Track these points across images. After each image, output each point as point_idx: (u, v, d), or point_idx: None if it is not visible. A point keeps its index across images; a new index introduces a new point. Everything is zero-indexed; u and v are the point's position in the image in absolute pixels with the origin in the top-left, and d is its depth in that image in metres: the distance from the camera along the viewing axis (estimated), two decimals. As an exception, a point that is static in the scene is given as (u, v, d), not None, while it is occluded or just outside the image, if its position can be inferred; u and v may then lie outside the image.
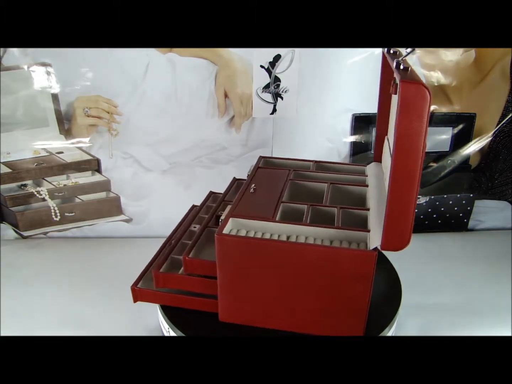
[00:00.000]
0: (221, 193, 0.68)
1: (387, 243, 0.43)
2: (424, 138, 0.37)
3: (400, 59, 0.42)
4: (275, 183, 0.59)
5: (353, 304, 0.48)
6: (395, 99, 0.55)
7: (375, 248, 0.44)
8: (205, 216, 0.63)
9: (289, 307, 0.50)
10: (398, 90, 0.37)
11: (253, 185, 0.58)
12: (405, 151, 0.38)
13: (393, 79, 0.51)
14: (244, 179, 0.67)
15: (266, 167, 0.65)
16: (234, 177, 0.69)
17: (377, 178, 0.60)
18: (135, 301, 0.56)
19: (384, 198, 0.52)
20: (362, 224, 0.52)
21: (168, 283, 0.54)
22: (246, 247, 0.47)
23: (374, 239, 0.45)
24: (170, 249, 0.57)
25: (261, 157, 0.67)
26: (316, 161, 0.66)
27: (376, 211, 0.51)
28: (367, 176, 0.62)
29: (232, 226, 0.51)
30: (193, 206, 0.70)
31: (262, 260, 0.48)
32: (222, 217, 0.52)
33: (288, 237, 0.49)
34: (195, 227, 0.61)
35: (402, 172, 0.39)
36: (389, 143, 0.58)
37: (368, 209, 0.53)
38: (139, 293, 0.56)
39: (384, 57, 0.55)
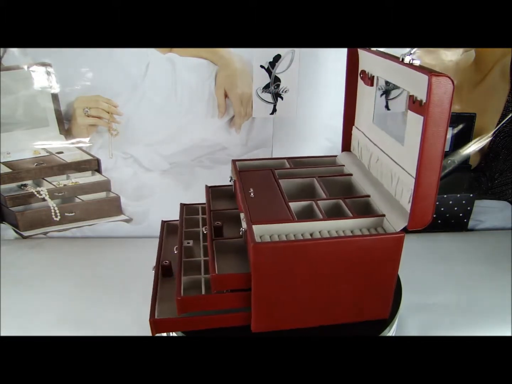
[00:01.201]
0: (194, 204, 0.66)
1: (414, 222, 0.46)
2: (448, 124, 0.41)
3: (409, 57, 0.45)
4: (267, 184, 0.58)
5: (383, 287, 0.50)
6: (364, 90, 0.59)
7: (402, 229, 0.47)
8: (194, 229, 0.61)
9: (324, 302, 0.50)
10: (429, 83, 0.39)
11: (251, 189, 0.57)
12: (435, 136, 0.41)
13: (364, 72, 0.57)
14: (219, 186, 0.66)
15: (247, 170, 0.63)
16: (206, 185, 0.66)
17: (358, 166, 0.62)
18: (154, 333, 0.50)
19: (378, 184, 0.56)
20: (366, 210, 0.54)
21: (196, 306, 0.49)
22: (283, 251, 0.46)
23: (398, 222, 0.48)
24: (177, 271, 0.53)
25: (234, 161, 0.65)
26: (288, 158, 0.66)
27: (379, 196, 0.54)
28: (344, 165, 0.64)
29: (257, 234, 0.49)
30: (182, 205, 0.67)
31: (299, 261, 0.47)
32: (244, 227, 0.49)
33: (311, 234, 0.49)
34: (188, 242, 0.57)
35: (430, 158, 0.42)
36: (363, 132, 0.61)
37: (368, 196, 0.55)
38: (160, 324, 0.49)
39: (349, 53, 0.59)
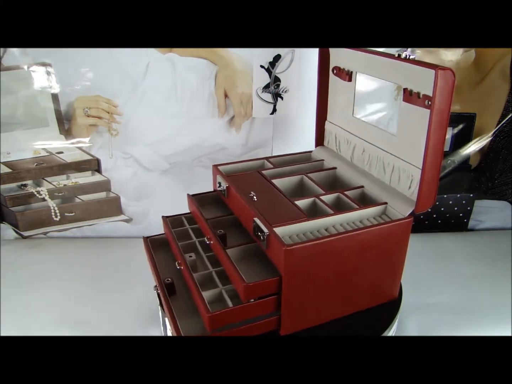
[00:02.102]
0: (175, 215, 0.63)
1: (421, 205, 0.49)
2: (449, 112, 0.45)
3: (406, 53, 0.48)
4: (263, 186, 0.57)
5: (395, 269, 0.54)
6: (340, 85, 0.61)
7: (410, 214, 0.50)
8: (188, 241, 0.58)
9: (345, 293, 0.52)
10: (435, 76, 0.43)
11: (252, 193, 0.55)
12: (440, 125, 0.45)
13: (338, 69, 0.60)
14: (200, 193, 0.63)
15: (233, 174, 0.61)
16: (188, 194, 0.63)
17: (339, 159, 0.63)
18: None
19: (367, 174, 0.58)
20: (364, 200, 0.56)
21: (227, 320, 0.47)
22: (313, 250, 0.46)
23: (404, 207, 0.51)
24: (192, 287, 0.50)
25: (216, 166, 0.63)
26: (265, 158, 0.66)
27: (373, 186, 0.56)
28: (323, 160, 0.65)
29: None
30: (165, 218, 0.62)
31: (326, 258, 0.47)
32: (266, 231, 0.47)
33: (326, 229, 0.50)
34: (191, 256, 0.54)
35: (435, 144, 0.46)
36: (340, 126, 0.63)
37: (362, 186, 0.57)
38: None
39: (320, 51, 0.61)
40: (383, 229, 0.49)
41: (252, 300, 0.47)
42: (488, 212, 0.86)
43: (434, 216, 0.86)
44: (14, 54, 0.72)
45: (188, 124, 0.78)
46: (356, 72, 0.58)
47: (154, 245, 0.62)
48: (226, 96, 0.76)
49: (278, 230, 0.48)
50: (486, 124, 0.79)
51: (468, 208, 0.85)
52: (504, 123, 0.79)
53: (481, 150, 0.81)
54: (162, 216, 0.62)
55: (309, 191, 0.59)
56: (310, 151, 0.69)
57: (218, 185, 0.61)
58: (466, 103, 0.77)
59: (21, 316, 0.65)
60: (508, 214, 0.87)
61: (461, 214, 0.86)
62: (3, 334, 0.61)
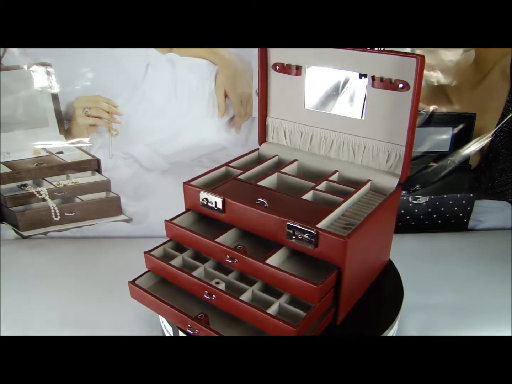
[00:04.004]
0: (158, 246, 0.56)
1: (403, 175, 0.56)
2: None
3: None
4: (254, 191, 0.55)
5: (389, 234, 0.61)
6: (285, 80, 0.63)
7: (397, 185, 0.56)
8: (195, 266, 0.53)
9: (370, 268, 0.58)
10: (417, 64, 0.49)
11: (260, 200, 0.53)
12: (417, 104, 0.51)
13: (281, 64, 0.62)
14: (176, 216, 0.57)
15: (214, 187, 0.57)
16: (166, 220, 0.56)
17: (296, 151, 0.65)
18: None
19: (333, 159, 0.62)
20: (345, 182, 0.60)
21: (308, 325, 0.47)
22: (360, 236, 0.48)
23: (390, 180, 0.57)
24: (254, 309, 0.46)
25: (187, 184, 0.57)
26: (223, 165, 0.63)
27: (348, 168, 0.60)
28: (277, 155, 0.66)
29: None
30: (148, 254, 0.55)
31: (363, 240, 0.50)
32: (312, 231, 0.47)
33: (342, 215, 0.54)
34: (218, 282, 0.50)
35: (414, 123, 0.52)
36: (289, 120, 0.65)
37: (336, 171, 0.60)
38: None
39: (260, 51, 0.62)
40: (388, 201, 0.55)
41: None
42: (488, 212, 0.86)
43: (434, 216, 0.86)
44: (14, 54, 0.72)
45: (188, 124, 0.78)
46: (306, 66, 0.60)
47: (148, 285, 0.55)
48: (226, 96, 0.76)
49: (320, 226, 0.49)
50: (486, 124, 0.79)
51: (468, 208, 0.85)
52: (504, 123, 0.79)
53: (481, 150, 0.81)
54: (145, 253, 0.55)
55: (298, 186, 0.59)
56: (256, 149, 0.68)
57: (204, 201, 0.55)
58: (466, 103, 0.77)
59: (21, 316, 0.65)
60: (508, 214, 0.87)
61: (461, 214, 0.86)
62: (3, 334, 0.61)
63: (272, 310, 0.47)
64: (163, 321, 0.56)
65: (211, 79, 0.75)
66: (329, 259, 0.48)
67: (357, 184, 0.57)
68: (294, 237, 0.49)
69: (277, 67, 0.63)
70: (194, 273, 0.51)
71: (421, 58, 0.49)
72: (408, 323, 0.63)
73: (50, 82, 0.74)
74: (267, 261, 0.48)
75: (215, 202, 0.54)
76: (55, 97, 0.75)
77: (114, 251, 0.82)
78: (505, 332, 0.61)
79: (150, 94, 0.76)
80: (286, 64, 0.62)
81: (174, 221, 0.56)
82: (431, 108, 0.77)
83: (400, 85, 0.52)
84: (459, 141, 0.80)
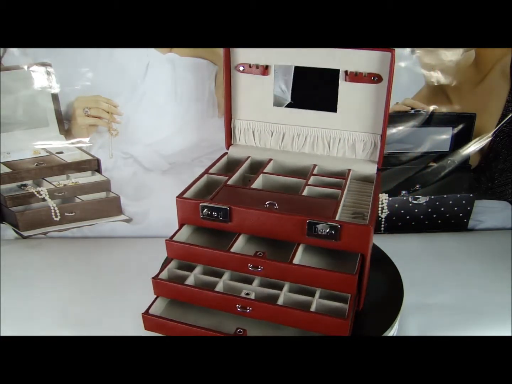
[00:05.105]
0: (160, 272, 0.52)
1: (380, 161, 0.60)
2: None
3: None
4: (254, 195, 0.55)
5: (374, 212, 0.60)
6: (248, 80, 0.63)
7: (377, 171, 0.60)
8: (213, 282, 0.50)
9: None
10: (391, 57, 0.54)
11: (268, 203, 0.52)
12: (389, 92, 0.55)
13: (247, 65, 0.62)
14: (174, 234, 0.53)
15: (213, 196, 0.55)
16: (166, 240, 0.53)
17: (267, 150, 0.65)
18: None
19: (308, 155, 0.63)
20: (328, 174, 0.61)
21: (352, 314, 0.48)
22: (371, 222, 0.50)
23: (370, 166, 0.60)
24: (299, 312, 0.46)
25: (180, 198, 0.54)
26: (205, 173, 0.61)
27: (326, 160, 0.62)
28: (249, 156, 0.65)
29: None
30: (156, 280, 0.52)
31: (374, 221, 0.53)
32: (336, 225, 0.48)
33: (344, 205, 0.56)
34: (248, 293, 0.48)
35: (387, 111, 0.56)
36: (256, 120, 0.65)
37: (315, 166, 0.61)
38: None
39: (224, 52, 0.61)
40: (376, 187, 0.58)
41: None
42: (488, 212, 0.86)
43: (434, 216, 0.86)
44: (14, 54, 0.72)
45: (188, 124, 0.78)
46: (273, 65, 0.61)
47: (161, 312, 0.53)
48: (226, 96, 0.76)
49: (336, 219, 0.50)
50: (486, 124, 0.79)
51: (468, 208, 0.85)
52: (504, 123, 0.79)
53: (481, 150, 0.81)
54: (153, 279, 0.51)
55: (288, 184, 0.59)
56: (225, 154, 0.67)
57: (205, 213, 0.52)
58: (466, 103, 0.77)
59: (21, 316, 0.65)
60: (508, 214, 0.87)
61: (461, 214, 0.86)
62: (3, 334, 0.61)
63: (313, 308, 0.47)
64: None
65: (211, 79, 0.75)
66: (351, 248, 0.49)
67: (339, 175, 0.60)
68: (315, 233, 0.49)
69: (242, 68, 0.62)
70: (217, 289, 0.49)
71: (393, 52, 0.54)
72: (408, 323, 0.63)
73: (50, 82, 0.74)
74: (294, 261, 0.48)
75: (221, 212, 0.51)
76: (55, 97, 0.75)
77: (114, 251, 0.82)
78: (505, 332, 0.61)
79: (150, 94, 0.76)
80: (253, 64, 0.62)
81: (174, 238, 0.53)
82: (431, 108, 0.77)
83: (373, 78, 0.56)
84: (459, 141, 0.80)
